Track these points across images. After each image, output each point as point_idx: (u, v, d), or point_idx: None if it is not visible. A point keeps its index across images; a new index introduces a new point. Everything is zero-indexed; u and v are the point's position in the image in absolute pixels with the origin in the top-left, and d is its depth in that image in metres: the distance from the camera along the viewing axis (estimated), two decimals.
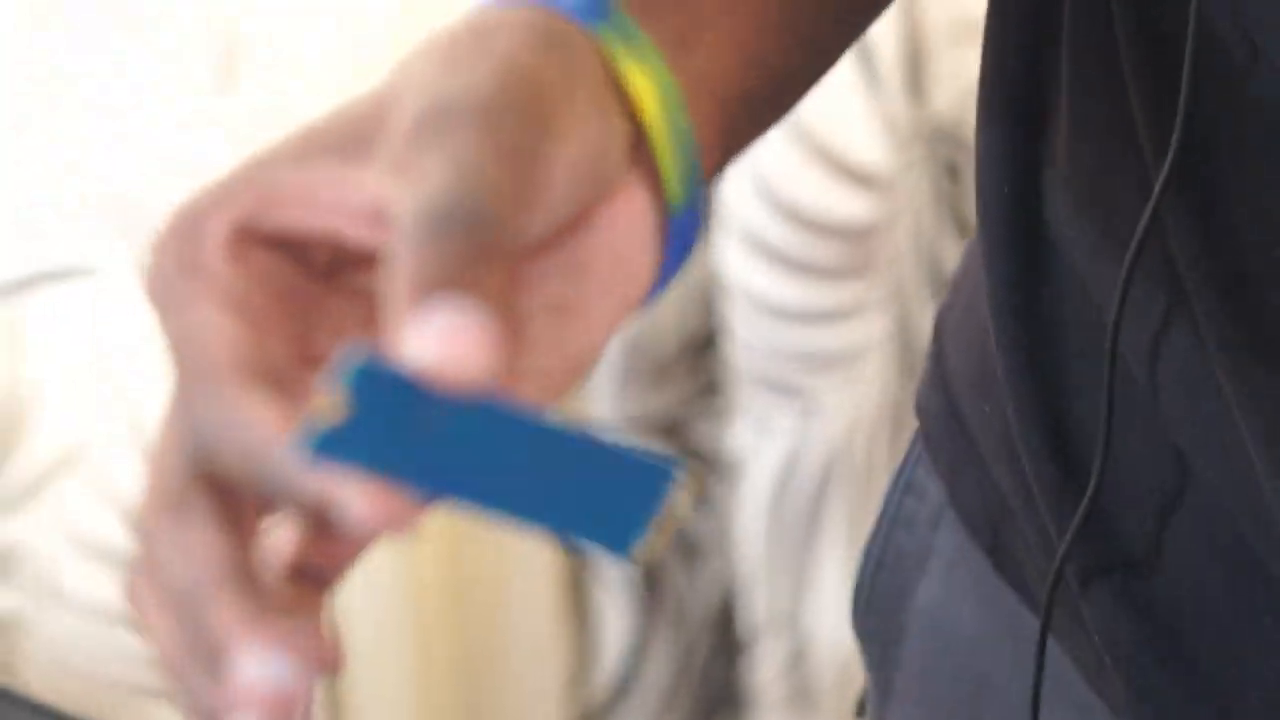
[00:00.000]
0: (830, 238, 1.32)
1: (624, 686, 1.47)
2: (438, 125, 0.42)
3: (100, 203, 1.10)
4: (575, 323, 0.45)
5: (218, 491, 0.42)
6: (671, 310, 1.43)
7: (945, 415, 0.67)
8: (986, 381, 0.64)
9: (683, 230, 0.46)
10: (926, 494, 0.69)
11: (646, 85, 0.45)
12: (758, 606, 1.40)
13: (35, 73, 1.07)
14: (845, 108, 1.30)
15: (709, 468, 1.48)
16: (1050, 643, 0.63)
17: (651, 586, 1.47)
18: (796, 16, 0.52)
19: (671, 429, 1.45)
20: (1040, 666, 0.61)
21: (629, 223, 0.45)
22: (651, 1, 0.48)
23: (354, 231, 0.43)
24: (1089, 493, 0.58)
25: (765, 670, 1.42)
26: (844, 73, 1.28)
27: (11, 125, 1.06)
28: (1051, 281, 0.61)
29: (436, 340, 0.40)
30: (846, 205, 1.31)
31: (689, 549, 1.48)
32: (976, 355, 0.65)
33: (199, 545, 0.42)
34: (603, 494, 0.42)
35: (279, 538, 0.44)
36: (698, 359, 1.44)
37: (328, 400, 0.41)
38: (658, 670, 1.48)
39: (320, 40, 1.17)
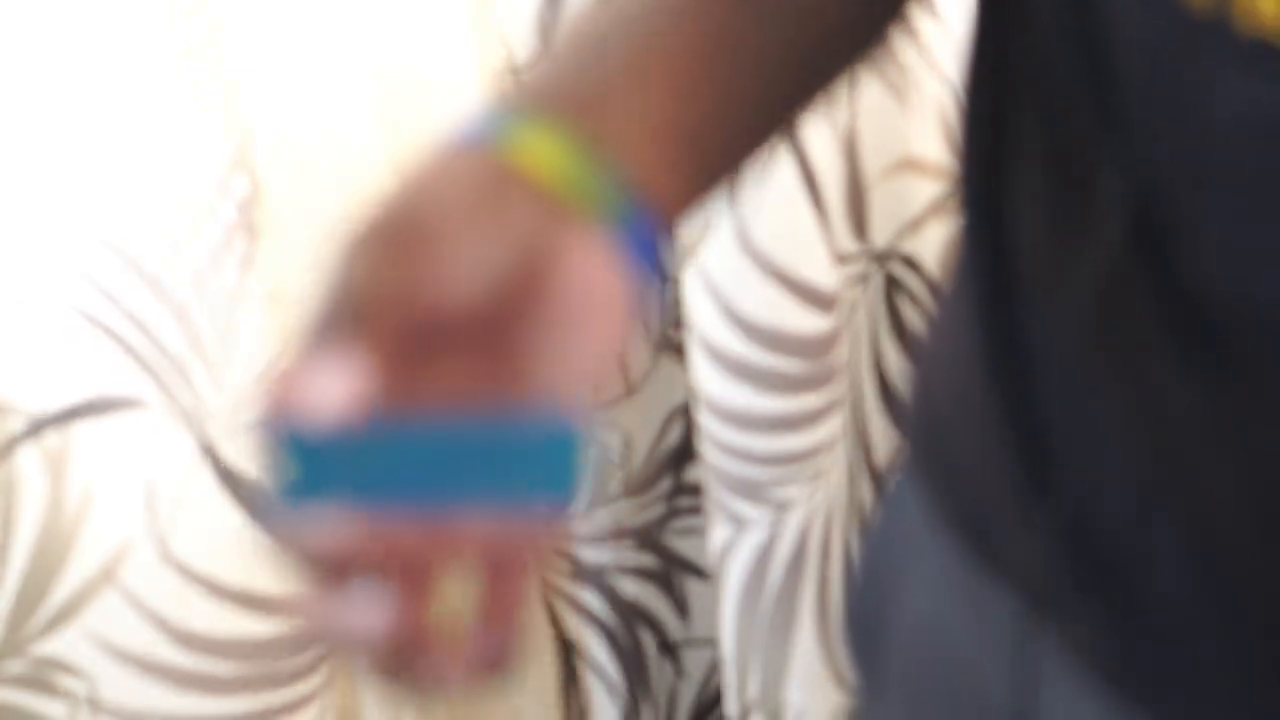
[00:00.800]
0: (790, 352, 1.36)
1: None
2: (354, 242, 0.52)
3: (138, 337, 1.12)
4: (585, 338, 0.53)
5: None
6: (649, 427, 1.48)
7: (931, 439, 0.71)
8: (966, 401, 0.68)
9: (635, 238, 0.54)
10: (910, 512, 0.73)
11: (539, 147, 0.53)
12: (740, 695, 1.42)
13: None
14: (798, 236, 1.35)
15: (688, 570, 1.53)
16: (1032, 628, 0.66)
17: (640, 680, 1.51)
18: (726, 64, 0.59)
19: (652, 537, 1.50)
20: (1030, 653, 0.64)
21: (577, 248, 0.53)
22: (553, 98, 0.55)
23: None
24: (1066, 498, 0.62)
25: None
26: (797, 207, 1.37)
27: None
28: (1021, 313, 0.65)
29: (320, 390, 0.49)
30: (803, 322, 1.36)
31: (673, 645, 1.53)
32: (956, 379, 0.69)
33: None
34: (527, 462, 0.48)
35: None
36: (675, 471, 1.49)
37: (283, 467, 0.49)
38: None
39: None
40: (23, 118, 1.10)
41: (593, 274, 0.53)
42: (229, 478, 1.21)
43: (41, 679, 1.19)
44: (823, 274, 1.36)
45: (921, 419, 0.73)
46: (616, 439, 1.46)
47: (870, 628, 0.75)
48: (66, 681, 1.19)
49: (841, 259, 1.40)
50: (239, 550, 1.22)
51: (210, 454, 1.20)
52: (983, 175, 0.65)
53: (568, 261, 0.53)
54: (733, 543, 1.39)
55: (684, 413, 1.48)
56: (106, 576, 1.18)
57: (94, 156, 1.12)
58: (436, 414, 0.50)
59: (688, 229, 1.35)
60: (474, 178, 0.53)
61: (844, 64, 0.66)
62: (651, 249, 0.54)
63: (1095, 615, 0.64)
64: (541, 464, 0.49)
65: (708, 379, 1.37)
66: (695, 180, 0.58)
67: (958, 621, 0.71)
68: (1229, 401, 0.58)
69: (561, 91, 0.56)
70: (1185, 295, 0.58)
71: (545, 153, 0.53)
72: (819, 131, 1.36)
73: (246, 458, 1.21)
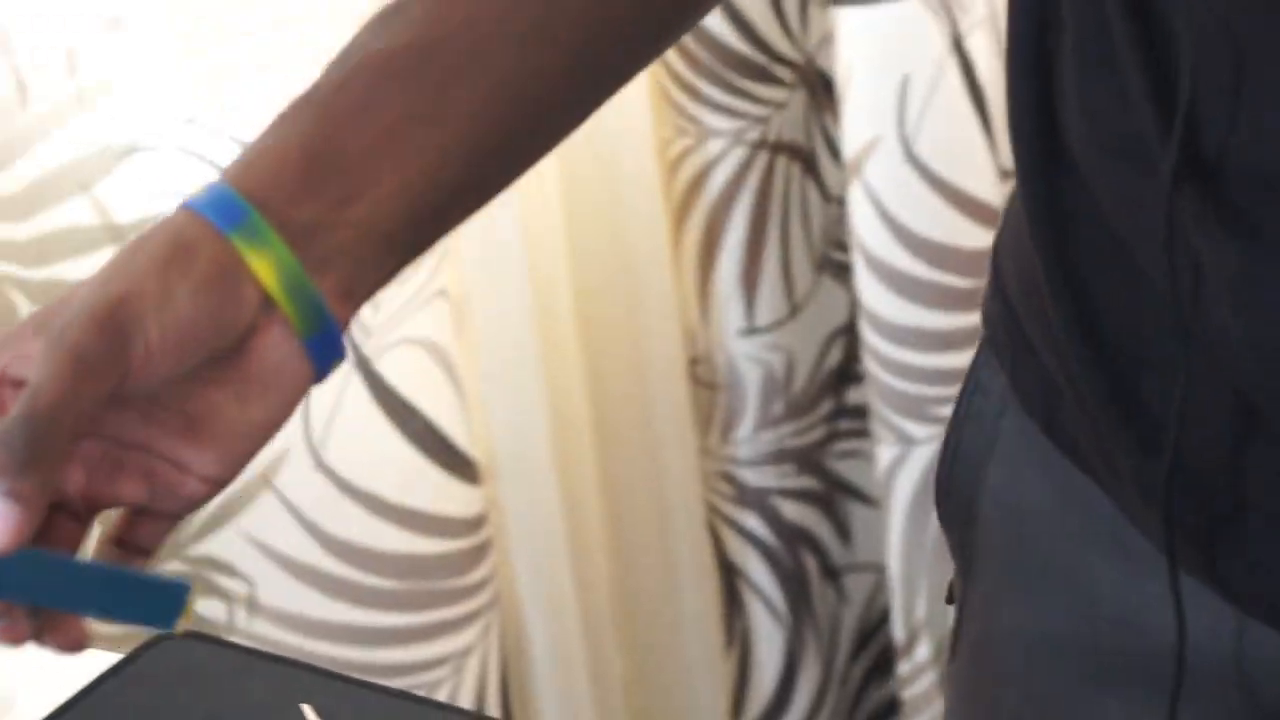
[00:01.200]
0: (956, 267, 1.37)
1: (780, 701, 1.51)
2: (47, 337, 0.62)
3: None
4: (255, 404, 0.65)
5: None
6: (811, 348, 1.50)
7: (1004, 316, 0.74)
8: (1033, 281, 0.71)
9: (319, 347, 0.66)
10: (991, 391, 0.76)
11: (265, 266, 0.65)
12: (908, 619, 1.44)
13: None
14: (964, 150, 1.36)
15: (851, 493, 1.54)
16: (1099, 492, 0.70)
17: (803, 604, 1.52)
18: (490, 131, 0.69)
19: (814, 460, 1.51)
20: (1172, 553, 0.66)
21: (276, 344, 0.66)
22: (313, 182, 0.66)
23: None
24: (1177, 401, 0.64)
25: (914, 681, 1.45)
26: (963, 121, 1.37)
27: None
28: (1067, 183, 0.69)
29: None
30: (969, 236, 1.37)
31: (836, 569, 1.54)
32: (1025, 261, 0.72)
33: None
34: (141, 597, 0.65)
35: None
36: (836, 393, 1.51)
37: None
38: (811, 684, 1.52)
39: None
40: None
41: (281, 364, 0.65)
42: (383, 395, 1.22)
43: (201, 577, 1.21)
44: (988, 188, 1.37)
45: (995, 300, 0.76)
46: (779, 359, 1.47)
47: (961, 505, 0.78)
48: (225, 581, 1.21)
49: (1006, 173, 1.41)
50: (396, 468, 1.23)
51: (364, 369, 1.21)
52: (1029, 68, 0.69)
53: (262, 351, 0.65)
54: (899, 462, 1.41)
55: (845, 334, 1.48)
56: (263, 481, 1.20)
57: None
58: (73, 553, 0.65)
59: (853, 145, 1.36)
60: (194, 267, 0.64)
61: (630, 71, 0.73)
62: (334, 352, 0.67)
63: (1158, 489, 0.67)
64: (151, 604, 0.65)
65: (873, 295, 1.38)
66: (420, 252, 0.69)
67: (1041, 501, 0.74)
68: (1248, 264, 0.62)
69: (320, 155, 0.67)
70: (1212, 170, 0.62)
71: (264, 257, 0.65)
72: (985, 44, 1.35)
73: (400, 378, 1.23)
